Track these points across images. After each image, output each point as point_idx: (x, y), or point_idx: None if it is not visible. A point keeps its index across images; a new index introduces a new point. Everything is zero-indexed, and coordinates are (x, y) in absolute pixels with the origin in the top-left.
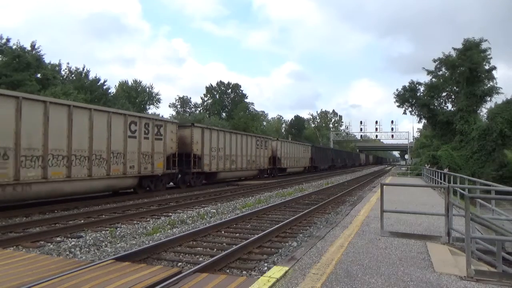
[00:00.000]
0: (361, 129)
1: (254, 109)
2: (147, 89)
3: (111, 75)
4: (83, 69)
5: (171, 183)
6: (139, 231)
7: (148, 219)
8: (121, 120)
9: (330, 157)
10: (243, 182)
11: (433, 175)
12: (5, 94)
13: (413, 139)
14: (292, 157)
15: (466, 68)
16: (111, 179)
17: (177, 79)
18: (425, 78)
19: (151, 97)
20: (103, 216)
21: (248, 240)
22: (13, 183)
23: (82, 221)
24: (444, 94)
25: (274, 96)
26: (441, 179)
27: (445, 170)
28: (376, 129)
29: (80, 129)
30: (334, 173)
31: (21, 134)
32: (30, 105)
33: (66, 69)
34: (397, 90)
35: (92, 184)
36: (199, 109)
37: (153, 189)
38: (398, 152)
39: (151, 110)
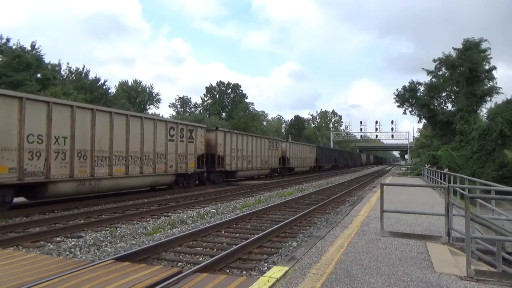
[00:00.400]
0: (361, 129)
1: (254, 109)
2: (147, 89)
3: (111, 75)
4: (83, 69)
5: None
6: (139, 231)
7: (148, 219)
8: (163, 126)
9: (333, 157)
10: (243, 182)
11: (433, 175)
12: (84, 107)
13: (413, 139)
14: (299, 157)
15: (466, 68)
16: (156, 176)
17: (177, 79)
18: (425, 78)
19: (151, 97)
20: (103, 216)
21: (248, 240)
22: (89, 178)
23: (82, 221)
24: (444, 94)
25: (274, 96)
26: (441, 179)
27: (445, 170)
28: (376, 129)
29: (134, 135)
30: (334, 173)
31: (95, 139)
32: (100, 115)
33: (66, 69)
34: (397, 90)
35: (143, 180)
36: (199, 109)
37: (186, 186)
38: (398, 152)
39: (151, 110)
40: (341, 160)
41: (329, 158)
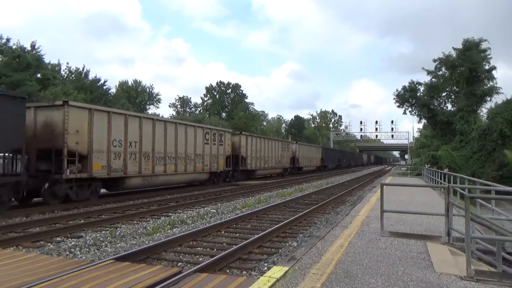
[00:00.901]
0: (361, 129)
1: (254, 109)
2: (147, 89)
3: (110, 75)
4: (83, 69)
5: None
6: (139, 231)
7: (148, 219)
8: (201, 132)
9: (337, 158)
10: (243, 182)
11: (433, 175)
12: (147, 117)
13: (413, 139)
14: (307, 157)
15: (466, 68)
16: (196, 173)
17: (176, 79)
18: (425, 78)
19: (151, 97)
20: (103, 216)
21: (248, 240)
22: (151, 174)
23: (82, 221)
24: (444, 94)
25: (274, 96)
26: (441, 179)
27: (445, 170)
28: (376, 129)
29: (180, 139)
30: (334, 173)
31: (155, 143)
32: (158, 124)
33: (66, 69)
34: (396, 90)
35: (186, 176)
36: (199, 109)
37: (216, 183)
38: (398, 152)
39: (151, 110)
40: (344, 160)
41: (333, 158)
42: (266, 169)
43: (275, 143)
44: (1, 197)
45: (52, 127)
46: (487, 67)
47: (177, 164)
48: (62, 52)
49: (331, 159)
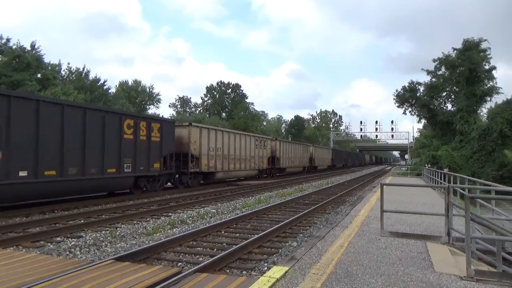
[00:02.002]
0: (361, 129)
1: (254, 109)
2: (148, 89)
3: (109, 75)
4: (83, 69)
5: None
6: (139, 231)
7: (148, 219)
8: (253, 140)
9: (343, 158)
10: (243, 182)
11: (433, 175)
12: (226, 130)
13: (413, 139)
14: (320, 158)
15: (466, 68)
16: (250, 170)
17: (176, 79)
18: (425, 78)
19: (151, 97)
20: (103, 216)
21: (248, 240)
22: (228, 170)
23: (82, 221)
24: (444, 94)
25: (274, 96)
26: (441, 179)
27: (445, 170)
28: (376, 129)
29: (242, 145)
30: (334, 173)
31: (229, 149)
32: (231, 135)
33: (66, 69)
34: (396, 90)
35: (245, 172)
36: (199, 109)
37: (261, 177)
38: (398, 152)
39: (151, 110)
40: (349, 160)
41: (341, 158)
42: (292, 167)
43: (299, 146)
44: (161, 182)
45: (181, 139)
46: (487, 67)
47: (240, 163)
48: (61, 52)
49: (339, 159)
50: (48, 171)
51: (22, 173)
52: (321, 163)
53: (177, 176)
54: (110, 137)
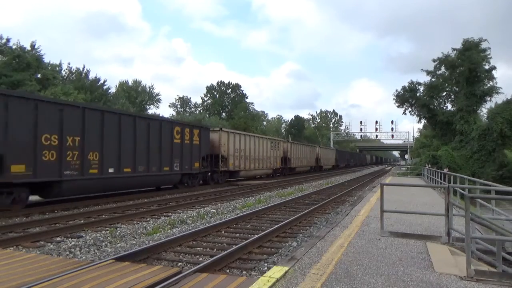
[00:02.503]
0: (361, 129)
1: (254, 109)
2: (148, 89)
3: (109, 74)
4: (83, 69)
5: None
6: (139, 231)
7: (148, 219)
8: (269, 142)
9: (346, 158)
10: (243, 182)
11: (433, 175)
12: (248, 134)
13: (413, 139)
14: (325, 158)
15: (466, 68)
16: (266, 169)
17: (176, 79)
18: (425, 78)
19: (151, 97)
20: (103, 216)
21: (248, 240)
22: (249, 169)
23: (82, 221)
24: (444, 94)
25: (274, 96)
26: (441, 179)
27: (445, 170)
28: (376, 129)
29: (261, 147)
30: (334, 173)
31: (251, 150)
32: (252, 138)
33: (66, 69)
34: (396, 90)
35: (262, 171)
36: (199, 109)
37: (275, 176)
38: (398, 152)
39: (151, 110)
40: (351, 160)
41: (344, 159)
42: (301, 166)
43: (307, 147)
44: (199, 179)
45: (213, 142)
46: (487, 67)
47: (259, 163)
48: (61, 51)
49: (342, 159)
50: (126, 168)
51: (110, 170)
52: (326, 162)
53: (209, 174)
54: (165, 142)
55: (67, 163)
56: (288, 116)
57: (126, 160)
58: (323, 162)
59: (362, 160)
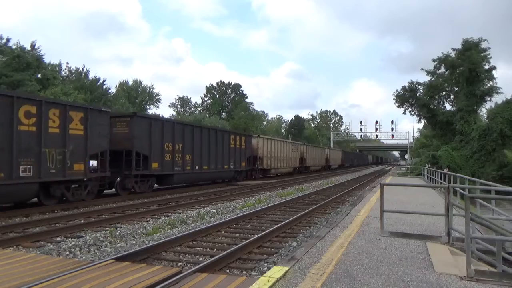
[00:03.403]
0: (361, 129)
1: (254, 109)
2: (148, 89)
3: (108, 74)
4: (83, 69)
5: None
6: (139, 231)
7: (148, 219)
8: (291, 145)
9: (351, 158)
10: (243, 182)
11: (433, 175)
12: (279, 140)
13: (413, 139)
14: (333, 158)
15: (466, 68)
16: (289, 168)
17: (175, 79)
18: (425, 78)
19: (151, 97)
20: (103, 216)
21: (248, 240)
22: (277, 168)
23: (82, 221)
24: (444, 94)
25: (274, 96)
26: (441, 179)
27: (445, 170)
28: (376, 129)
29: (285, 149)
30: (334, 173)
31: (278, 152)
32: (280, 142)
33: (66, 69)
34: (396, 90)
35: (286, 169)
36: (199, 109)
37: (296, 173)
38: (398, 152)
39: (151, 110)
40: (355, 160)
41: (349, 159)
42: (314, 166)
43: (318, 149)
44: (243, 175)
45: (253, 147)
46: (487, 67)
47: (283, 163)
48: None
49: (347, 159)
50: (205, 166)
51: (197, 167)
52: (334, 162)
53: (249, 171)
54: (225, 147)
55: (176, 162)
56: (288, 116)
57: (204, 160)
58: (332, 162)
59: (364, 160)
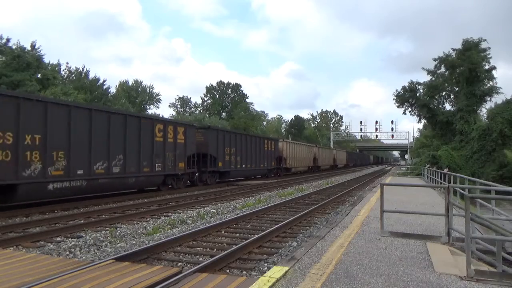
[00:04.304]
0: (361, 129)
1: (254, 109)
2: (148, 89)
3: (107, 74)
4: (83, 69)
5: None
6: (139, 231)
7: (148, 219)
8: (306, 147)
9: (354, 158)
10: (243, 182)
11: (433, 175)
12: (301, 143)
13: (413, 139)
14: (340, 158)
15: (466, 68)
16: (304, 167)
17: (175, 79)
18: (424, 78)
19: (152, 97)
20: (103, 216)
21: (248, 240)
22: (296, 166)
23: (82, 221)
24: (444, 94)
25: (274, 96)
26: (441, 179)
27: (445, 170)
28: (376, 129)
29: (300, 150)
30: (334, 173)
31: (299, 153)
32: (301, 145)
33: (66, 69)
34: (396, 90)
35: (301, 168)
36: (199, 109)
37: (310, 171)
38: (398, 152)
39: (151, 110)
40: (358, 160)
41: (352, 159)
42: (324, 165)
43: (327, 150)
44: (270, 174)
45: (279, 150)
46: (487, 67)
47: (301, 162)
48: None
49: (351, 159)
50: (249, 165)
51: (244, 166)
52: (340, 162)
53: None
54: (259, 150)
55: (231, 162)
56: (288, 116)
57: (248, 160)
58: (338, 162)
59: (366, 160)
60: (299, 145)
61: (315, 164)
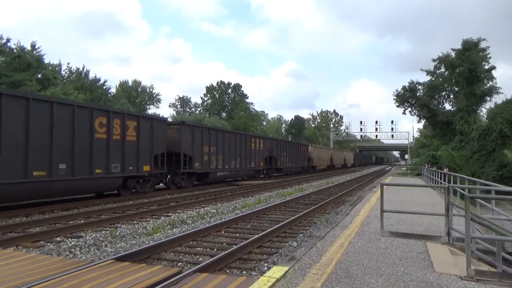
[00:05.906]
0: (361, 129)
1: (254, 109)
2: (148, 89)
3: (107, 74)
4: (83, 69)
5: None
6: (139, 231)
7: (148, 219)
8: (324, 149)
9: (359, 159)
10: (243, 182)
11: (433, 175)
12: (314, 146)
13: (413, 139)
14: (349, 158)
15: (466, 68)
16: (324, 166)
17: (175, 79)
18: (424, 78)
19: (151, 97)
20: (103, 216)
21: (248, 240)
22: (314, 165)
23: (82, 221)
24: (443, 94)
25: (274, 95)
26: (441, 179)
27: (445, 170)
28: (376, 129)
29: (323, 153)
30: (334, 173)
31: (315, 153)
32: (317, 147)
33: (66, 69)
34: (396, 90)
35: (324, 167)
36: (199, 109)
37: (327, 170)
38: (398, 152)
39: (151, 110)
40: (362, 160)
41: (358, 159)
42: (337, 164)
43: (339, 152)
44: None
45: (305, 150)
46: (486, 67)
47: (323, 162)
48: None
49: (357, 160)
50: (233, 165)
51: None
52: (349, 162)
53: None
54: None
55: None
56: (288, 116)
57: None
58: (348, 162)
59: (369, 160)
60: (318, 148)
61: (331, 163)
